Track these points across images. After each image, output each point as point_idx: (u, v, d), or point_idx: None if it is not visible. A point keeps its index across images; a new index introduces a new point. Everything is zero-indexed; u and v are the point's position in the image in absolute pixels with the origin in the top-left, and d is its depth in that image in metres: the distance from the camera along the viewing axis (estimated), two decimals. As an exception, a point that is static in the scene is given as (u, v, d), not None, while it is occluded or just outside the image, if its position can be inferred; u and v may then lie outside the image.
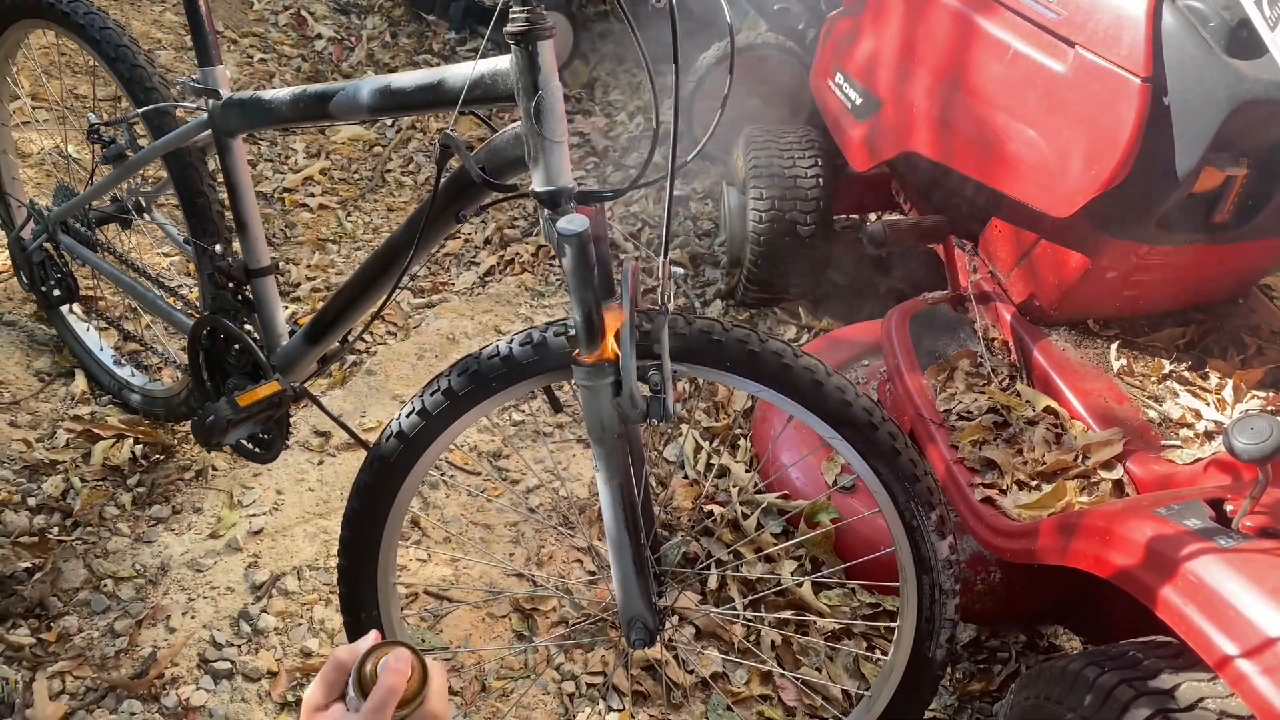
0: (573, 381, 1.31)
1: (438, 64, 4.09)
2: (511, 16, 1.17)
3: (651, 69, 1.20)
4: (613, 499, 1.33)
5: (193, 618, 1.84)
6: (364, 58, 3.98)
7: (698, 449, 2.28)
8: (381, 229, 3.07)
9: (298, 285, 2.75)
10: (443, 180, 1.34)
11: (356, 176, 3.31)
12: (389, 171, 3.34)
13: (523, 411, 2.39)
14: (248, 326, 1.79)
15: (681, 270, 2.82)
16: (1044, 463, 1.87)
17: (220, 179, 1.73)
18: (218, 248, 1.73)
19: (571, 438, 2.34)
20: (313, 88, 1.48)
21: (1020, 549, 1.69)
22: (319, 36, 4.06)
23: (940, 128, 2.09)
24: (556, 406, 1.43)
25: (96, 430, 2.15)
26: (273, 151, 3.28)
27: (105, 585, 1.87)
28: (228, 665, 1.77)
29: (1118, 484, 1.79)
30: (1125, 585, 1.41)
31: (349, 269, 2.86)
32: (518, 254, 2.97)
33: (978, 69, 1.98)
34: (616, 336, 1.26)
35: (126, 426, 2.18)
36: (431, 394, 1.38)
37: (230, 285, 1.73)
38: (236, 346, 1.73)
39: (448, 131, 1.23)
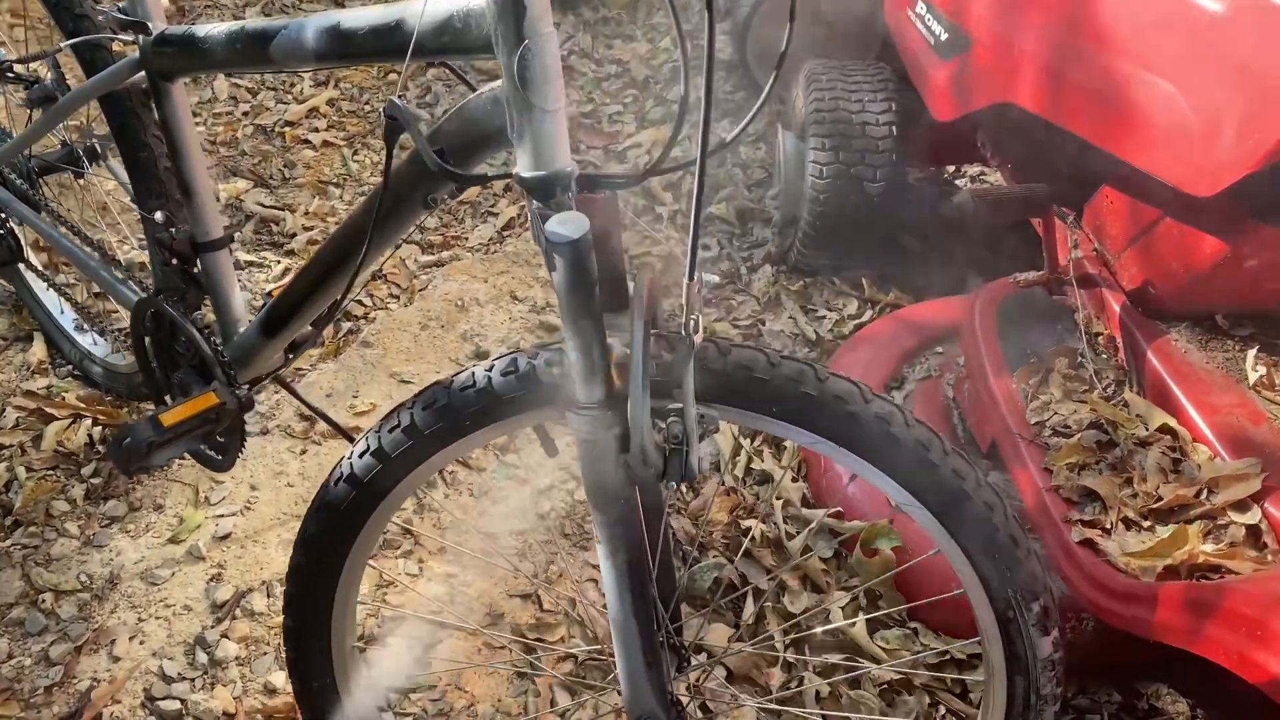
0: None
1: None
2: (484, -66, 0.84)
3: (680, 19, 0.86)
4: (617, 579, 1.02)
5: (141, 643, 1.59)
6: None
7: (736, 449, 1.96)
8: (392, 170, 2.75)
9: (293, 236, 2.45)
10: (403, 160, 1.02)
11: (368, 109, 2.97)
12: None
13: (538, 395, 2.08)
14: (206, 309, 1.49)
15: (714, 258, 2.47)
16: (1159, 497, 1.53)
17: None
18: (159, 215, 1.42)
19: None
20: (251, 25, 1.15)
21: (1131, 616, 1.37)
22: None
23: (1048, 76, 1.71)
24: (551, 450, 1.11)
25: (50, 409, 1.88)
26: (277, 79, 2.95)
27: (44, 601, 1.62)
28: (177, 705, 1.51)
29: (1253, 531, 1.45)
30: (1282, 700, 1.09)
31: (353, 217, 2.55)
32: (543, 203, 2.63)
33: (1102, 5, 1.59)
34: (624, 372, 0.95)
35: (85, 405, 1.91)
36: (390, 431, 1.07)
37: (176, 261, 1.43)
38: (183, 336, 1.44)
39: (394, 100, 0.90)
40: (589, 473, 0.98)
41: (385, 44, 1.00)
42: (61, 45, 1.44)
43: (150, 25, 1.29)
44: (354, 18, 1.03)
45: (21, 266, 1.98)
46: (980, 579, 1.06)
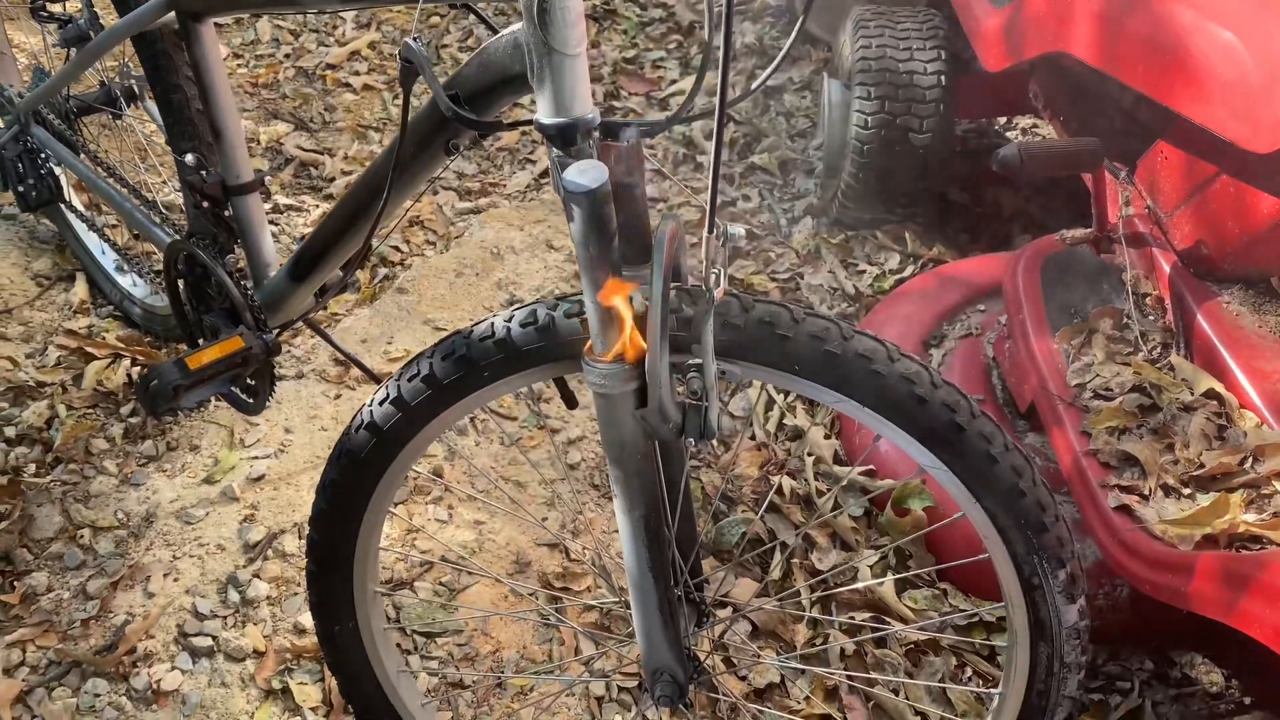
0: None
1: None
2: None
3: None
4: (634, 533, 1.02)
5: (175, 580, 1.62)
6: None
7: (769, 405, 1.94)
8: (432, 115, 2.73)
9: (331, 180, 2.44)
10: (424, 105, 1.00)
11: (410, 52, 2.95)
12: (445, 47, 2.96)
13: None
14: (237, 252, 1.49)
15: (745, 224, 2.42)
16: (1201, 464, 1.48)
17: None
18: (190, 158, 1.42)
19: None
20: (276, -38, 1.14)
21: (1166, 585, 1.33)
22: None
23: (1103, 24, 1.64)
24: (571, 403, 1.10)
25: (91, 349, 1.91)
26: (319, 20, 2.93)
27: (82, 536, 1.65)
28: (209, 642, 1.54)
29: (1298, 502, 1.41)
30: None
31: (392, 162, 2.54)
32: (583, 150, 2.60)
33: (1164, -52, 1.52)
34: (643, 325, 0.93)
35: (124, 345, 1.93)
36: (410, 379, 1.06)
37: (207, 204, 1.43)
38: (214, 279, 1.44)
39: (408, 41, 0.88)
40: (606, 426, 0.97)
41: (406, -20, 0.98)
42: (93, -16, 1.43)
43: (179, -36, 1.27)
44: (376, -43, 1.01)
45: (63, 207, 2.00)
46: (1005, 544, 1.04)
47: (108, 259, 2.02)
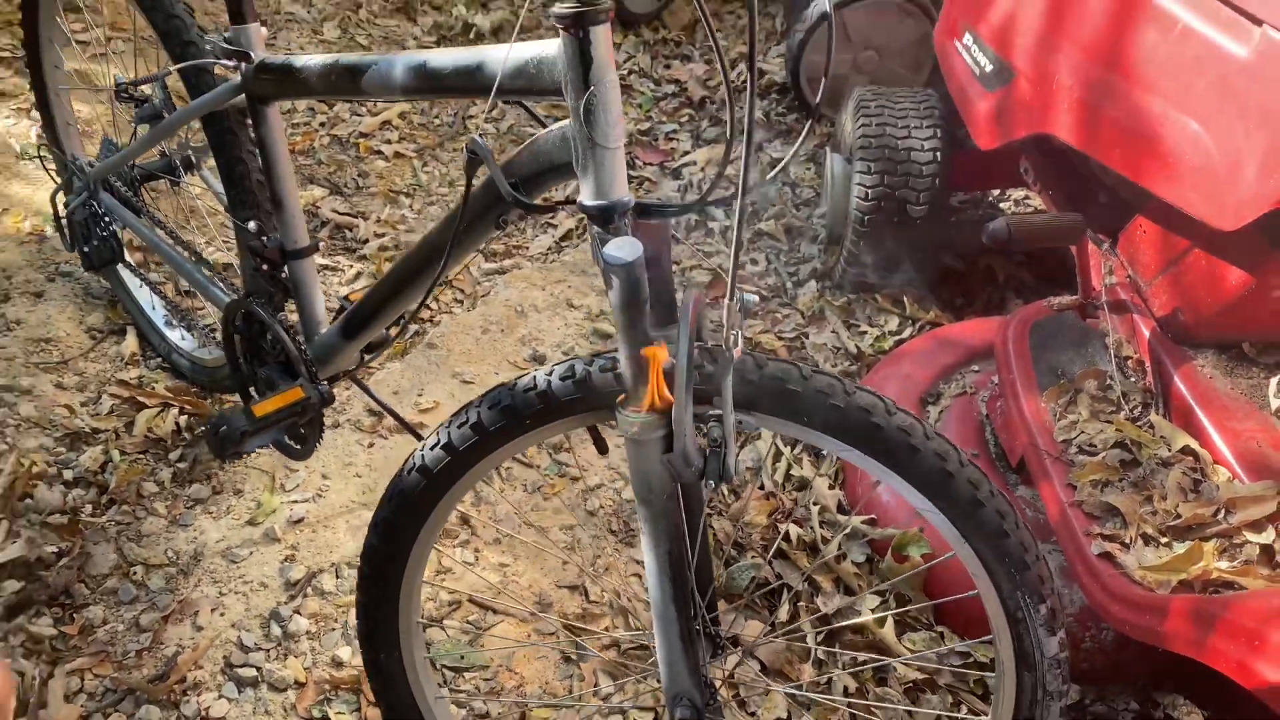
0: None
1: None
2: (560, -7, 0.95)
3: (723, 54, 0.97)
4: (659, 568, 1.14)
5: (222, 615, 1.73)
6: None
7: (777, 456, 2.06)
8: (458, 183, 2.88)
9: (365, 242, 2.59)
10: (478, 185, 1.14)
11: (437, 122, 3.12)
12: (470, 118, 3.14)
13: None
14: (292, 311, 1.63)
15: (759, 273, 2.57)
16: (1177, 515, 1.60)
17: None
18: (252, 224, 1.56)
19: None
20: (345, 59, 1.29)
21: (1143, 625, 1.44)
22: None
23: (1084, 110, 1.79)
24: (602, 449, 1.23)
25: (142, 398, 2.04)
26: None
27: (135, 573, 1.77)
28: (253, 672, 1.65)
29: (1267, 551, 1.52)
30: (1277, 706, 1.17)
31: (420, 225, 2.69)
32: (600, 216, 2.76)
33: (1136, 46, 1.67)
34: (670, 380, 1.06)
35: (173, 395, 2.06)
36: (459, 427, 1.19)
37: (265, 267, 1.57)
38: (270, 334, 1.58)
39: (475, 138, 1.02)
40: (636, 469, 1.09)
41: (467, 83, 1.13)
42: (171, 69, 1.59)
43: (252, 54, 1.43)
44: (440, 58, 1.15)
45: (119, 265, 2.15)
46: (992, 581, 1.16)
47: (158, 314, 2.16)
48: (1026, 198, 2.76)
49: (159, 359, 2.16)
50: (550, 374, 1.16)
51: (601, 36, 0.97)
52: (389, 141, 2.97)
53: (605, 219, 1.03)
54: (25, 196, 2.43)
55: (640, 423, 1.05)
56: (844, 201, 2.41)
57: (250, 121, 1.48)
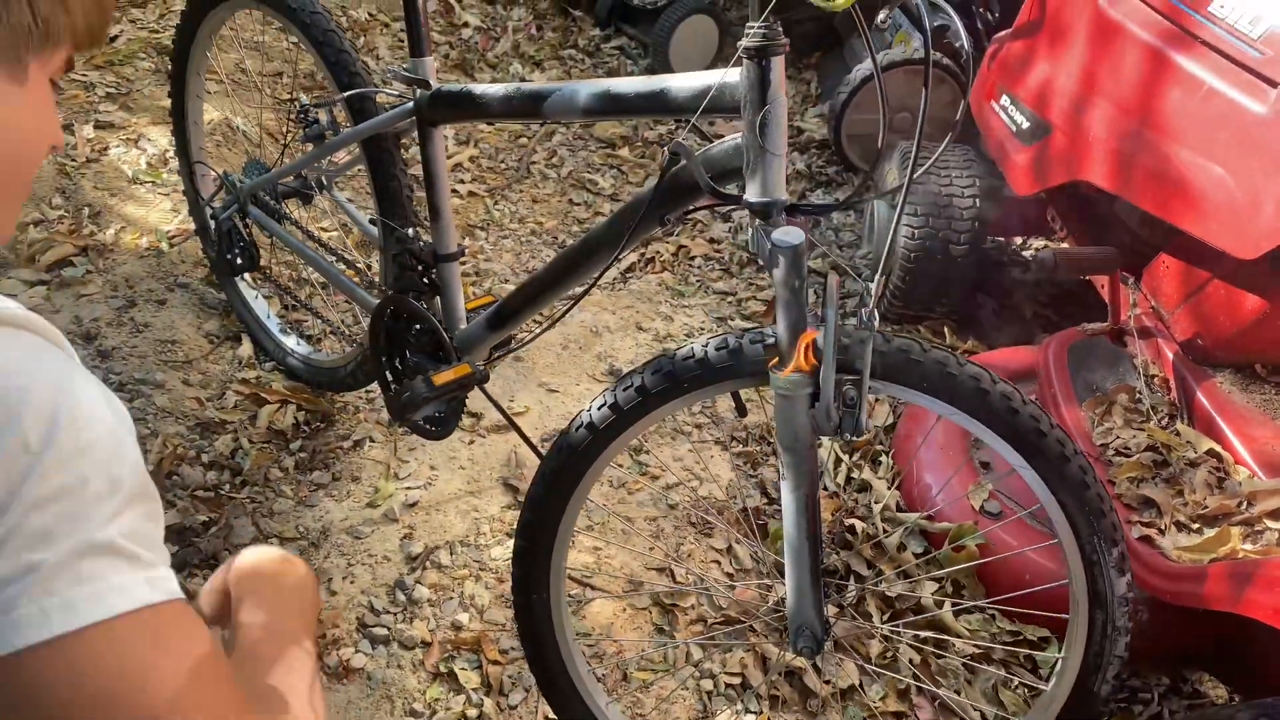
0: (762, 389, 1.35)
1: (582, 59, 4.15)
2: (748, 32, 1.20)
3: (878, 63, 1.22)
4: (797, 508, 1.35)
5: (352, 582, 1.92)
6: (509, 49, 4.06)
7: (838, 462, 2.29)
8: (527, 219, 3.14)
9: (463, 263, 2.82)
10: (650, 188, 1.38)
11: (503, 165, 3.39)
12: (534, 163, 3.40)
13: (665, 409, 2.42)
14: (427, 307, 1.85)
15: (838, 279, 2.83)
16: (1206, 506, 1.84)
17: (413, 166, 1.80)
18: (410, 231, 1.79)
19: (710, 439, 2.37)
20: (526, 87, 1.53)
21: (1185, 592, 1.67)
22: (465, 25, 4.15)
23: (1118, 159, 2.07)
24: (742, 411, 1.46)
25: (263, 394, 2.25)
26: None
27: (272, 543, 1.95)
28: (385, 632, 1.84)
29: (1285, 535, 1.76)
30: (1307, 640, 1.39)
31: (496, 255, 2.93)
32: (658, 252, 3.01)
33: (1166, 104, 1.95)
34: (814, 349, 1.29)
35: (290, 393, 2.27)
36: (624, 389, 1.41)
37: (419, 268, 1.80)
38: (418, 326, 1.80)
39: (679, 141, 1.27)
40: (784, 422, 1.31)
41: (652, 104, 1.37)
42: (342, 95, 1.83)
43: (430, 82, 1.67)
44: (623, 84, 1.40)
45: (238, 278, 2.37)
46: (1072, 528, 1.38)
47: (273, 322, 2.37)
48: (1046, 246, 3.04)
49: (273, 363, 2.37)
50: (707, 345, 1.39)
51: (778, 65, 1.22)
52: (462, 181, 3.22)
53: (767, 213, 1.27)
54: (140, 217, 2.65)
55: (793, 381, 1.28)
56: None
57: (419, 143, 1.72)
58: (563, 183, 3.36)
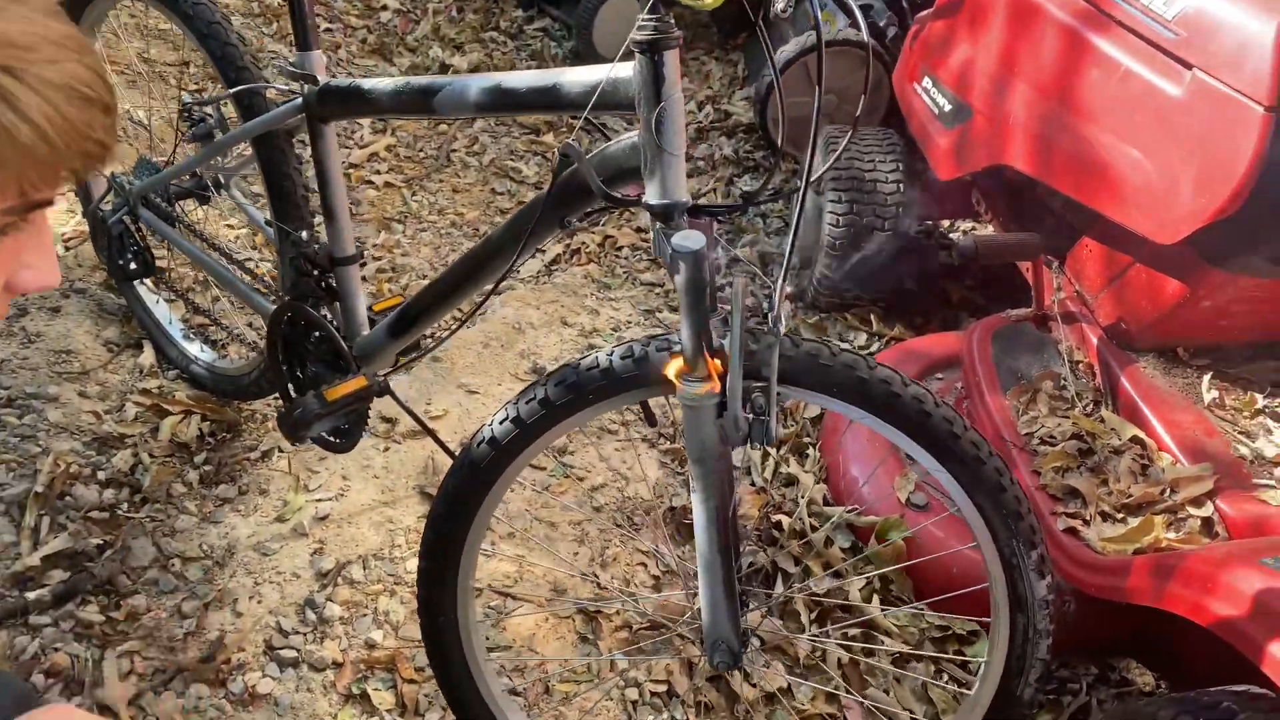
0: (671, 398, 1.29)
1: (504, 42, 4.05)
2: (639, 24, 1.13)
3: (775, 62, 1.16)
4: (708, 520, 1.30)
5: (259, 603, 1.83)
6: (429, 32, 3.95)
7: (765, 456, 2.24)
8: (447, 210, 3.04)
9: (363, 265, 2.73)
10: (552, 188, 1.31)
11: (422, 154, 3.28)
12: (454, 151, 3.31)
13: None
14: (326, 313, 1.77)
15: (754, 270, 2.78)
16: (1130, 495, 1.82)
17: (307, 163, 1.71)
18: (304, 234, 1.70)
19: (636, 436, 2.31)
20: (416, 81, 1.45)
21: (1108, 585, 1.65)
22: (384, 8, 4.03)
23: (1038, 143, 2.04)
24: (651, 421, 1.40)
25: (165, 405, 2.14)
26: (338, 125, 3.25)
27: (173, 565, 1.86)
28: (294, 654, 1.76)
29: (1207, 522, 1.74)
30: (1227, 636, 1.37)
31: (414, 249, 2.84)
32: (584, 243, 2.93)
33: (1085, 86, 1.92)
34: (721, 356, 1.23)
35: (194, 403, 2.17)
36: (527, 402, 1.35)
37: (314, 272, 1.71)
38: (317, 334, 1.71)
39: (569, 142, 1.19)
40: (691, 433, 1.26)
41: (544, 100, 1.30)
42: (230, 91, 1.73)
43: (318, 77, 1.58)
44: (515, 79, 1.33)
45: (136, 282, 2.25)
46: (990, 531, 1.34)
47: (175, 328, 2.27)
48: (974, 228, 3.02)
49: (176, 371, 2.26)
50: (611, 354, 1.32)
51: (671, 60, 1.15)
52: (378, 172, 3.12)
53: (668, 216, 1.21)
54: (33, 218, 2.51)
55: (699, 391, 1.22)
56: (815, 230, 2.62)
57: (310, 140, 1.63)
58: (485, 171, 3.26)
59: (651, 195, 1.20)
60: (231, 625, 1.79)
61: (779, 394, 1.29)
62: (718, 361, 1.23)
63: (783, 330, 1.22)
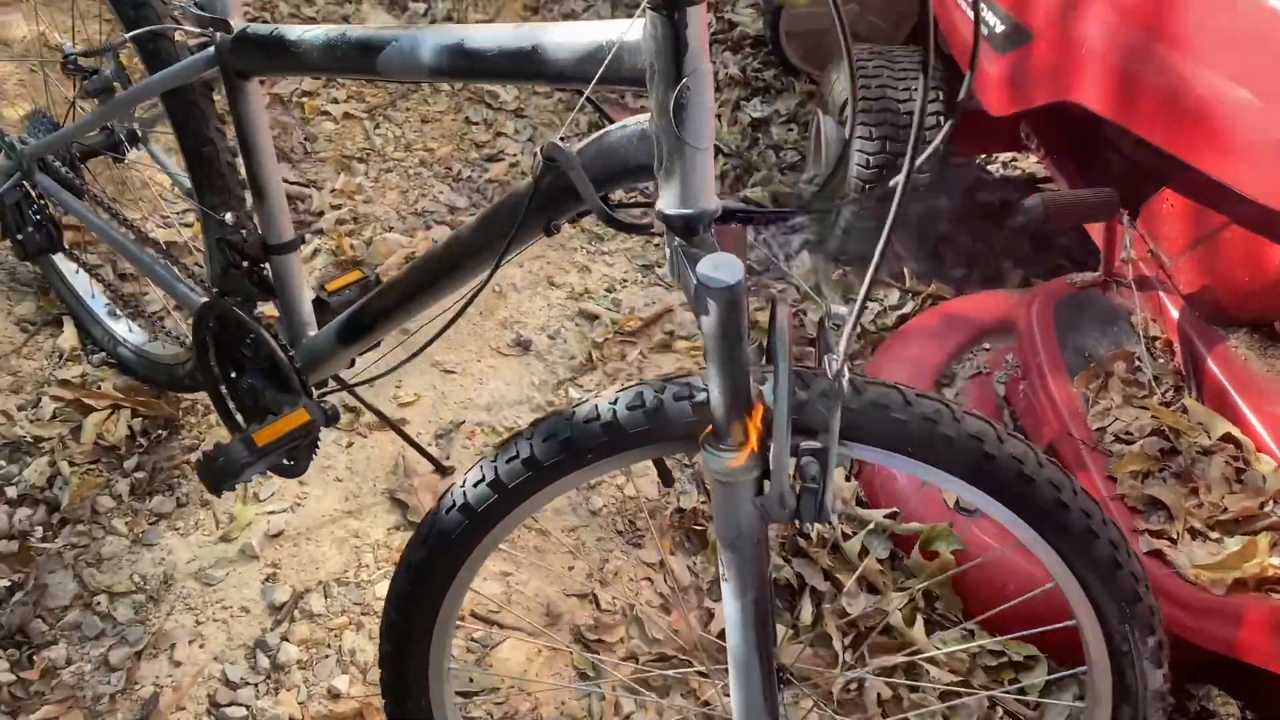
0: (693, 457, 0.99)
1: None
2: (653, -32, 0.80)
3: (850, 49, 0.83)
4: (743, 617, 1.01)
5: (201, 647, 1.56)
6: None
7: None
8: (415, 145, 2.67)
9: (320, 214, 2.38)
10: (530, 184, 0.98)
11: (387, 78, 2.89)
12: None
13: (580, 388, 2.06)
14: (262, 312, 1.45)
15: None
16: (1224, 508, 1.54)
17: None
18: (229, 216, 1.37)
19: (639, 420, 2.01)
20: (355, 32, 1.11)
21: (1211, 635, 1.39)
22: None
23: (1118, 78, 1.69)
24: (668, 480, 1.10)
25: (88, 400, 1.83)
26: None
27: (99, 603, 1.58)
28: (242, 711, 1.49)
29: (1320, 544, 1.47)
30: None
31: (378, 194, 2.49)
32: (572, 183, 2.59)
33: (1184, 9, 1.57)
34: (763, 416, 0.93)
35: (124, 395, 1.86)
36: (508, 461, 1.05)
37: (244, 264, 1.38)
38: (251, 338, 1.40)
39: (555, 143, 0.87)
40: (722, 514, 0.97)
41: (518, 66, 0.96)
42: (125, 37, 1.37)
43: (230, 22, 1.23)
44: (481, 37, 0.99)
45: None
46: (1097, 613, 1.06)
47: (99, 303, 1.94)
48: (1013, 159, 2.68)
49: (103, 353, 1.94)
50: (615, 402, 1.02)
51: (697, 18, 0.82)
52: (335, 101, 2.74)
53: (690, 230, 0.89)
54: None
55: (733, 464, 0.92)
56: (839, 168, 2.28)
57: (227, 99, 1.29)
58: (457, 97, 2.88)
59: (667, 202, 0.89)
60: (169, 678, 1.52)
61: (837, 453, 1.00)
62: (754, 426, 0.93)
63: (845, 381, 0.91)
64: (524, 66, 0.96)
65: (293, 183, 2.45)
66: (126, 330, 1.91)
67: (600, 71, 0.88)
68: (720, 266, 0.85)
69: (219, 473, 1.19)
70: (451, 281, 1.19)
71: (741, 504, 0.95)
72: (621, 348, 2.13)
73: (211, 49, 1.27)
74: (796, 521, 0.94)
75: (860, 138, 2.17)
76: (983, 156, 2.66)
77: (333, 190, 2.45)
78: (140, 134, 1.71)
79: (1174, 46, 1.58)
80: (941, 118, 2.16)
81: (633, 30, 0.86)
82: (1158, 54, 1.61)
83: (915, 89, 2.17)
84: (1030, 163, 2.66)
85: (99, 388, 1.87)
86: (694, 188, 0.88)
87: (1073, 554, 1.03)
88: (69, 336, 1.95)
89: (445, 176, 2.57)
